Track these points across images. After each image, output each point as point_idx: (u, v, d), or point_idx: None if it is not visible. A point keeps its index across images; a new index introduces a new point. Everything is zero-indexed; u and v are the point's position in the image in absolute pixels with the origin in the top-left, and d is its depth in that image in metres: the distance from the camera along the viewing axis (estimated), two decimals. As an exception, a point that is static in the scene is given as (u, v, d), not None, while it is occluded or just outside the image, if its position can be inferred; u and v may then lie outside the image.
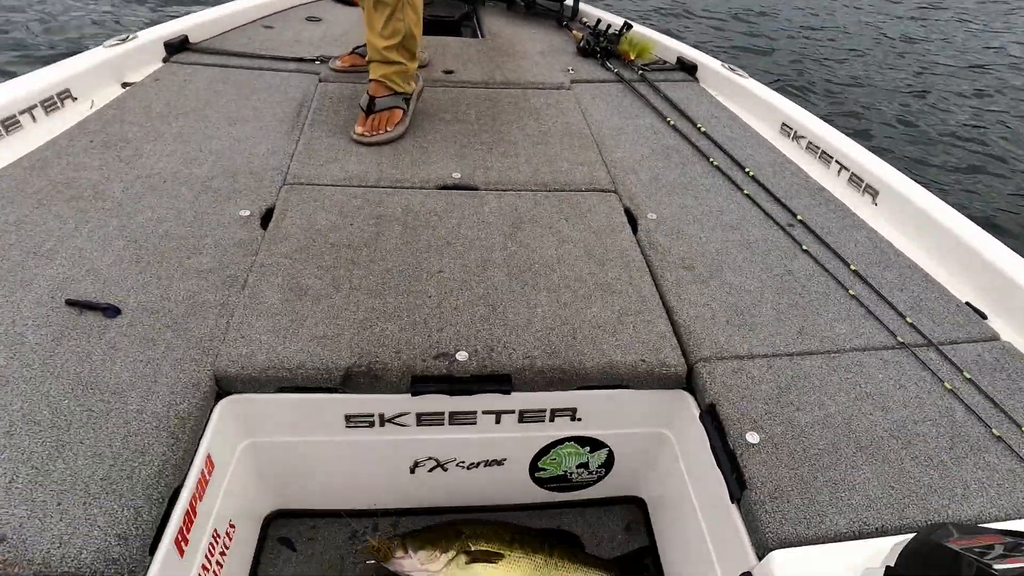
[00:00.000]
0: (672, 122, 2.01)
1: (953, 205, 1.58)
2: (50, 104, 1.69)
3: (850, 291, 1.34)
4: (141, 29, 2.19)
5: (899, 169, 1.71)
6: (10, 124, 1.59)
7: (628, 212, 1.58)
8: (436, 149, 1.75)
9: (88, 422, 0.91)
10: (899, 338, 1.21)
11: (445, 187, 1.60)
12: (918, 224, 1.56)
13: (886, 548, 0.78)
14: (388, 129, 1.75)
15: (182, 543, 0.90)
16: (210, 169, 1.57)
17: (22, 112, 1.61)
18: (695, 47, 2.48)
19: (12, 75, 1.77)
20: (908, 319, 1.27)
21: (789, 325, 1.24)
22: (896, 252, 1.49)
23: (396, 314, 1.18)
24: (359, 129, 1.73)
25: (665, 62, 2.48)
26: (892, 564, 0.73)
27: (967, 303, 1.34)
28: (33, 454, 0.85)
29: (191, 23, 2.29)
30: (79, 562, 0.75)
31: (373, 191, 1.55)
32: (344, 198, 1.50)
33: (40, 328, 1.05)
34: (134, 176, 1.49)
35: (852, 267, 1.41)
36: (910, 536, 0.76)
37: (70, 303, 1.10)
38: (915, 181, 1.68)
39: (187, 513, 0.91)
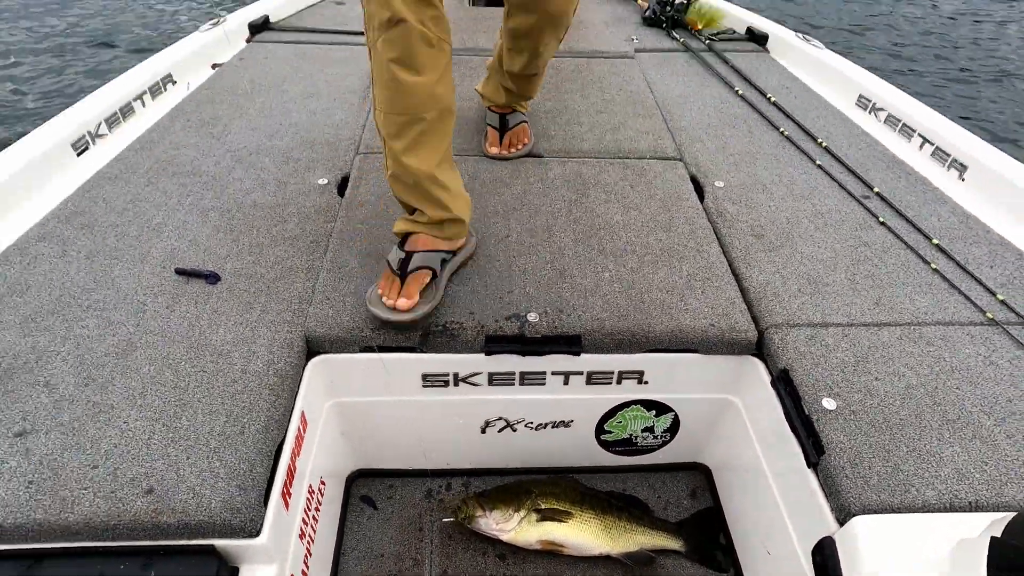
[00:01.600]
0: (740, 92, 1.97)
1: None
2: (156, 89, 1.83)
3: (932, 265, 1.29)
4: (231, 12, 2.32)
5: (991, 142, 1.61)
6: (126, 110, 1.73)
7: (694, 180, 1.57)
8: None
9: (203, 382, 1.00)
10: (989, 314, 1.17)
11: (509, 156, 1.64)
12: (1012, 200, 1.48)
13: (982, 524, 0.77)
14: (525, 143, 1.64)
15: (287, 496, 0.97)
16: (290, 141, 1.66)
17: (135, 99, 1.75)
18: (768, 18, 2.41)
19: (128, 65, 1.94)
20: (999, 296, 1.21)
21: (865, 296, 1.21)
22: (985, 228, 1.42)
23: (467, 276, 1.23)
24: (494, 150, 1.62)
25: (734, 32, 2.42)
26: (998, 536, 0.71)
27: None
28: (163, 413, 0.95)
29: (272, 4, 2.40)
30: (210, 511, 0.83)
31: None
32: None
33: (157, 296, 1.15)
34: (224, 151, 1.60)
35: (935, 241, 1.37)
36: (1012, 514, 0.74)
37: (179, 272, 1.20)
38: (1008, 155, 1.58)
39: (288, 468, 0.99)
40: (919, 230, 1.39)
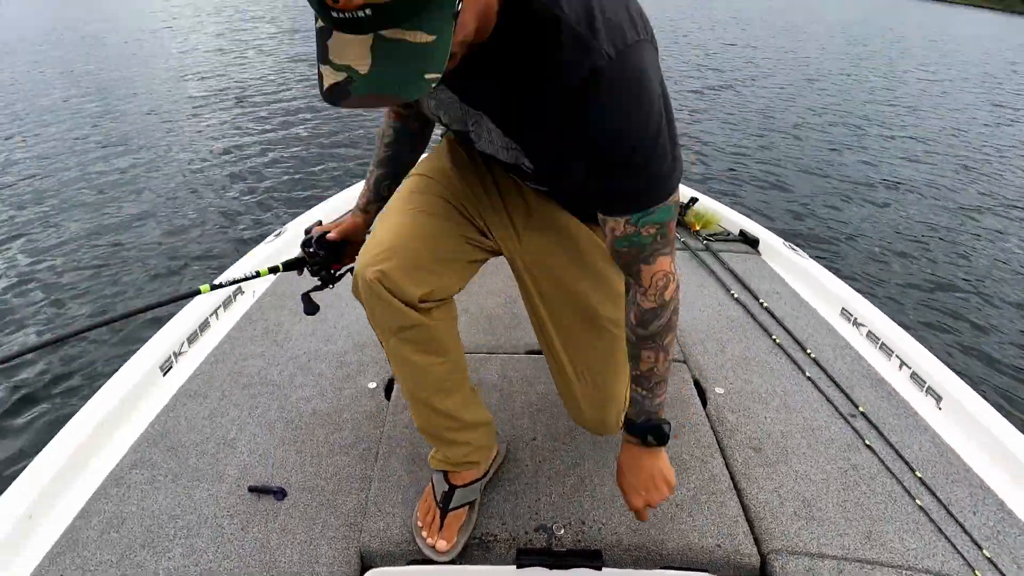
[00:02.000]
0: (735, 295, 2.22)
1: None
2: (228, 302, 2.10)
3: (917, 501, 1.37)
4: (289, 221, 2.69)
5: (968, 378, 1.72)
6: (203, 326, 1.97)
7: (697, 384, 1.76)
8: (525, 315, 2.02)
9: None
10: (977, 573, 1.22)
11: (532, 352, 1.84)
12: (986, 442, 1.55)
13: None
14: None
15: None
16: (343, 344, 1.90)
17: (211, 314, 2.01)
18: (761, 218, 2.72)
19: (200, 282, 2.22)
20: (985, 552, 1.27)
21: (856, 526, 1.31)
22: (965, 466, 1.49)
23: (500, 482, 1.39)
24: None
25: (729, 233, 2.73)
26: None
27: None
28: None
29: (325, 209, 2.77)
30: None
31: (473, 357, 1.79)
32: None
33: (233, 519, 1.32)
34: (287, 358, 1.84)
35: (918, 474, 1.45)
36: None
37: (251, 489, 1.38)
38: (982, 396, 1.67)
39: None
40: (903, 459, 1.50)
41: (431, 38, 0.63)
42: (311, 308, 1.32)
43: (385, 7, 0.60)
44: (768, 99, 9.10)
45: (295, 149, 6.08)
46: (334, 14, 0.61)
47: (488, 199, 1.18)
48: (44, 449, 1.44)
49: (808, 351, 1.92)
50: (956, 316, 3.63)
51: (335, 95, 0.65)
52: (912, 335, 1.97)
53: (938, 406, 1.72)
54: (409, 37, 0.62)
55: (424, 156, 1.29)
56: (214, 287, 1.27)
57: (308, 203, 3.22)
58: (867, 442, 1.56)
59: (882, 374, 1.84)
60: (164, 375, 1.77)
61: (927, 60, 13.46)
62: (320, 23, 0.65)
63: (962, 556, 1.26)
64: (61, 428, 1.50)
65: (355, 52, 0.63)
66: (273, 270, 1.30)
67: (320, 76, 0.66)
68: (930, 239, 4.71)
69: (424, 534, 1.24)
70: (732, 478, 1.44)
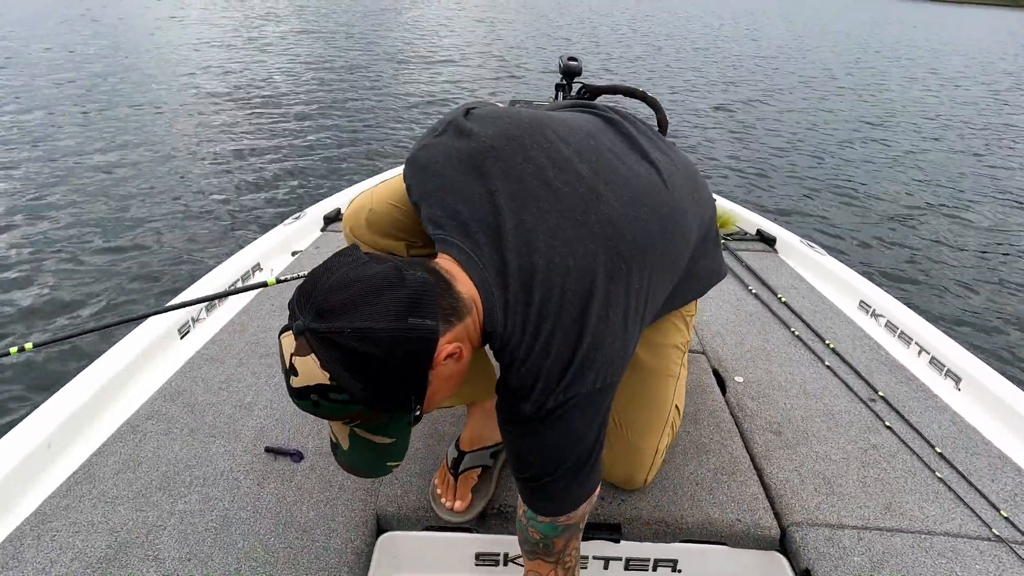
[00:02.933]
0: (754, 290, 2.22)
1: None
2: (246, 276, 2.11)
3: (937, 473, 1.40)
4: (309, 206, 2.71)
5: (986, 357, 1.74)
6: (221, 297, 1.98)
7: (716, 374, 1.75)
8: None
9: (291, 559, 1.13)
10: (994, 531, 1.25)
11: None
12: (1006, 416, 1.59)
13: None
14: None
15: None
16: None
17: (231, 285, 2.02)
18: (778, 218, 2.74)
19: (225, 257, 2.27)
20: (1003, 512, 1.30)
21: (876, 499, 1.33)
22: (984, 440, 1.53)
23: None
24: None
25: (746, 233, 2.74)
26: None
27: None
28: None
29: (344, 198, 2.79)
30: None
31: None
32: None
33: (249, 474, 1.32)
34: None
35: (938, 449, 1.48)
36: None
37: (268, 450, 1.38)
38: (1001, 373, 1.70)
39: None
40: (923, 436, 1.52)
41: (391, 440, 0.79)
42: None
43: (350, 423, 0.77)
44: (783, 105, 9.20)
45: (315, 142, 6.18)
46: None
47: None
48: (58, 391, 1.46)
49: (827, 342, 1.92)
50: (976, 306, 3.70)
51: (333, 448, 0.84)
52: (930, 322, 1.98)
53: (957, 387, 1.74)
54: (375, 439, 0.78)
55: None
56: (280, 281, 1.46)
57: (327, 192, 3.24)
58: (887, 423, 1.57)
59: (901, 361, 1.85)
60: (182, 338, 1.78)
61: (939, 63, 13.61)
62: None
63: (980, 518, 1.28)
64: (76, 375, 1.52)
65: (337, 427, 0.80)
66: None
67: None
68: (949, 234, 4.79)
69: (442, 500, 1.25)
70: (752, 459, 1.44)
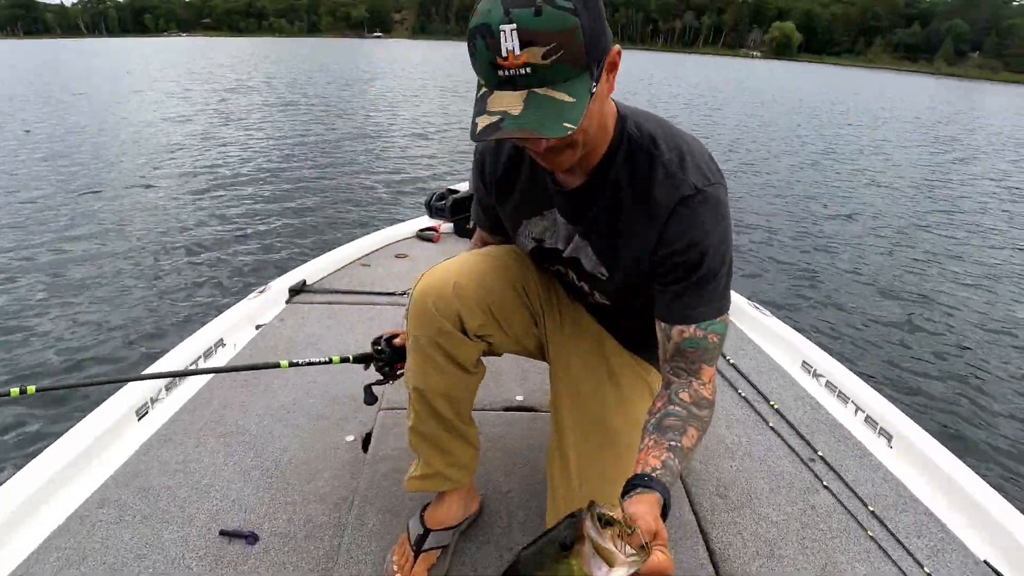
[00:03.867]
0: None
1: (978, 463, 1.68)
2: (209, 353, 2.12)
3: (869, 532, 1.48)
4: (273, 279, 2.75)
5: (916, 415, 1.89)
6: (183, 374, 1.98)
7: None
8: (503, 372, 2.07)
9: None
10: None
11: (509, 408, 1.88)
12: (931, 475, 1.68)
13: None
14: None
15: None
16: (321, 398, 1.92)
17: (192, 363, 2.03)
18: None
19: (190, 331, 2.26)
20: (926, 568, 1.38)
21: (813, 561, 1.39)
22: (912, 497, 1.62)
23: (473, 533, 1.40)
24: None
25: None
26: None
27: (985, 561, 1.42)
28: None
29: (309, 270, 2.84)
30: None
31: None
32: None
33: (202, 560, 1.31)
34: (264, 409, 1.85)
35: (870, 507, 1.56)
36: None
37: (223, 533, 1.37)
38: (930, 433, 1.81)
39: None
40: (857, 496, 1.61)
41: (572, 99, 0.81)
42: (371, 399, 1.49)
43: (543, 68, 0.78)
44: (728, 166, 9.56)
45: (280, 214, 6.26)
46: (500, 72, 0.79)
47: (547, 294, 1.31)
48: (4, 484, 1.42)
49: (771, 403, 2.01)
50: (911, 364, 3.87)
51: (485, 132, 0.80)
52: (866, 381, 2.09)
53: (889, 445, 1.84)
54: (556, 95, 0.80)
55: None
56: (292, 364, 1.49)
57: (292, 264, 3.29)
58: (824, 483, 1.65)
59: (839, 419, 1.96)
60: (139, 419, 1.77)
61: (876, 120, 14.51)
62: (482, 90, 0.83)
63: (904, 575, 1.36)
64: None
65: (510, 102, 0.80)
66: (344, 360, 1.50)
67: (474, 126, 0.82)
68: (886, 293, 5.01)
69: (397, 573, 1.26)
70: (699, 523, 1.49)
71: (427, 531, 1.31)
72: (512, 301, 1.25)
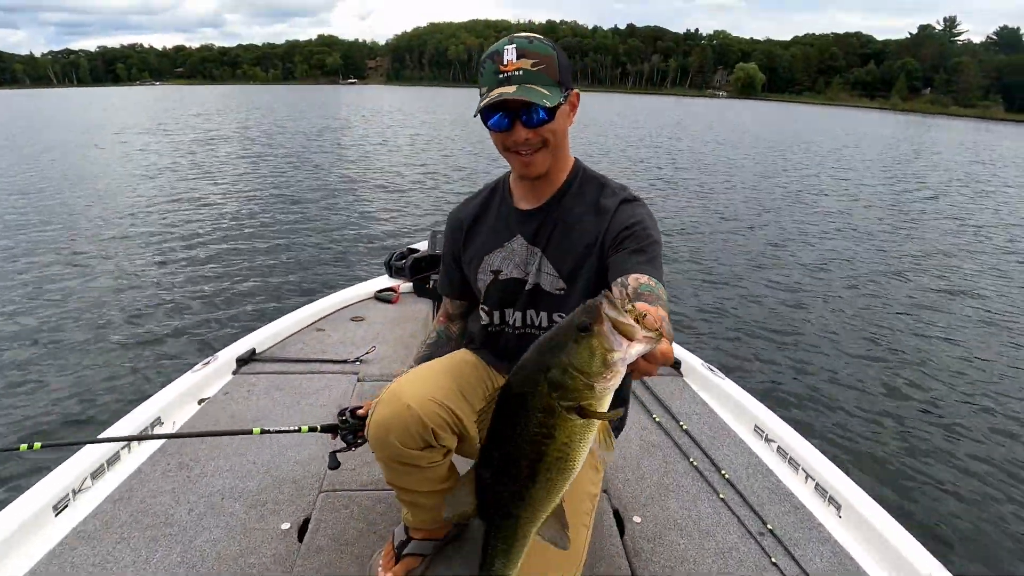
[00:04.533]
0: (657, 418, 2.29)
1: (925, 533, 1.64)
2: (143, 433, 2.03)
3: None
4: (222, 348, 2.68)
5: (867, 482, 1.87)
6: (112, 460, 1.89)
7: (616, 514, 1.77)
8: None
9: None
10: None
11: None
12: (880, 548, 1.66)
13: None
14: None
15: None
16: (259, 482, 1.85)
17: (123, 447, 1.94)
18: (683, 339, 2.85)
19: (122, 413, 2.14)
20: None
21: None
22: (860, 571, 1.60)
23: (449, 554, 1.45)
24: None
25: None
26: None
27: None
28: None
29: (259, 337, 2.78)
30: None
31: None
32: (370, 503, 1.75)
33: None
34: (198, 496, 1.78)
35: None
36: None
37: None
38: (878, 502, 1.79)
39: None
40: (805, 573, 1.58)
41: (549, 95, 1.19)
42: (335, 464, 1.54)
43: (531, 72, 1.19)
44: (686, 222, 9.56)
45: (236, 277, 6.15)
46: (500, 76, 1.19)
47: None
48: None
49: (723, 472, 1.99)
50: (862, 428, 3.81)
51: (489, 101, 1.18)
52: (816, 447, 2.08)
53: (839, 514, 1.82)
54: (539, 88, 1.19)
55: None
56: (264, 432, 1.55)
57: (241, 332, 3.23)
58: (773, 559, 1.62)
59: (790, 487, 1.94)
60: (56, 514, 1.67)
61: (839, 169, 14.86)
62: (484, 90, 1.21)
63: None
64: None
65: (507, 90, 1.18)
66: (312, 429, 1.54)
67: (480, 106, 1.21)
68: (843, 352, 4.96)
69: (380, 571, 1.49)
70: None
71: (410, 538, 1.53)
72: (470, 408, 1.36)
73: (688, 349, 2.82)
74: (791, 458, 2.06)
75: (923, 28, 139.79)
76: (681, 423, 2.27)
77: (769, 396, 3.98)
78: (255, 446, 2.03)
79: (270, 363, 2.66)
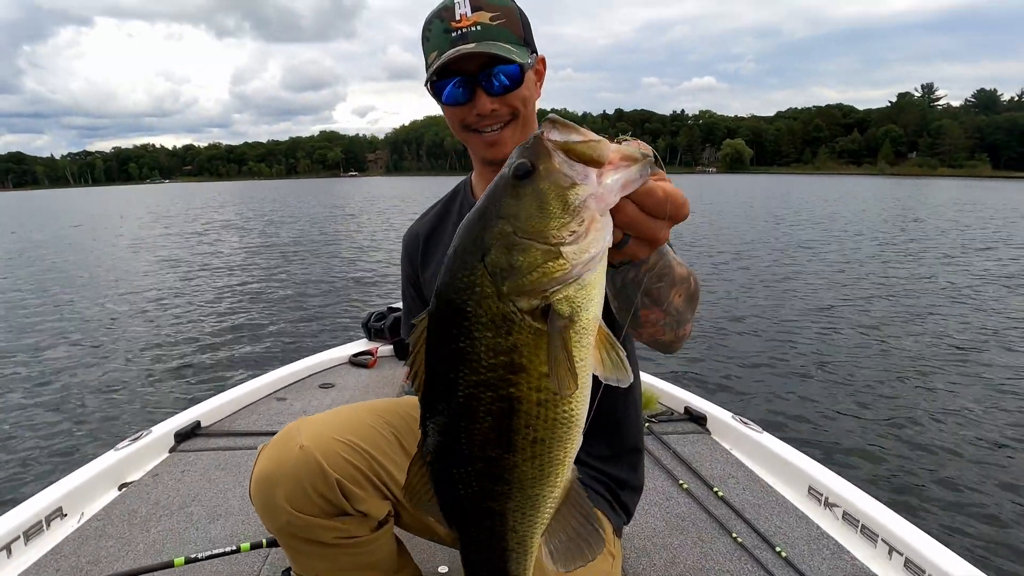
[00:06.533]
0: (684, 484, 1.85)
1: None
2: (34, 530, 1.60)
3: None
4: (159, 423, 2.26)
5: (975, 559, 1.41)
6: None
7: None
8: None
9: None
10: None
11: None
12: None
13: None
14: None
15: None
16: None
17: (2, 548, 1.50)
18: (705, 392, 2.44)
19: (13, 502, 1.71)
20: None
21: None
22: None
23: None
24: None
25: (672, 412, 2.43)
26: None
27: None
28: None
29: (205, 408, 2.37)
30: None
31: None
32: None
33: None
34: None
35: None
36: None
37: None
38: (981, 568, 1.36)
39: None
40: None
41: (516, 52, 0.96)
42: None
43: (490, 27, 0.95)
44: (702, 270, 9.32)
45: (186, 347, 5.77)
46: (453, 34, 0.95)
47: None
48: None
49: (777, 547, 1.54)
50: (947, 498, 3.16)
51: (444, 60, 0.93)
52: (894, 510, 1.61)
53: None
54: (503, 45, 0.95)
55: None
56: (189, 561, 1.26)
57: (184, 405, 2.79)
58: None
59: (869, 566, 1.48)
60: None
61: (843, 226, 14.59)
62: (435, 55, 0.97)
63: None
64: None
65: (464, 49, 0.93)
66: (255, 546, 1.32)
67: (432, 69, 0.96)
68: (904, 402, 4.39)
69: None
70: None
71: None
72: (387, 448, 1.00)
73: (713, 403, 2.39)
74: (864, 526, 1.60)
75: (902, 96, 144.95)
76: (715, 489, 1.82)
77: (818, 451, 3.41)
78: (178, 538, 1.61)
79: (216, 438, 2.24)
